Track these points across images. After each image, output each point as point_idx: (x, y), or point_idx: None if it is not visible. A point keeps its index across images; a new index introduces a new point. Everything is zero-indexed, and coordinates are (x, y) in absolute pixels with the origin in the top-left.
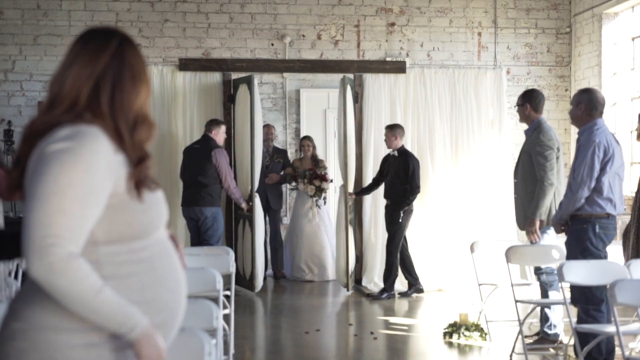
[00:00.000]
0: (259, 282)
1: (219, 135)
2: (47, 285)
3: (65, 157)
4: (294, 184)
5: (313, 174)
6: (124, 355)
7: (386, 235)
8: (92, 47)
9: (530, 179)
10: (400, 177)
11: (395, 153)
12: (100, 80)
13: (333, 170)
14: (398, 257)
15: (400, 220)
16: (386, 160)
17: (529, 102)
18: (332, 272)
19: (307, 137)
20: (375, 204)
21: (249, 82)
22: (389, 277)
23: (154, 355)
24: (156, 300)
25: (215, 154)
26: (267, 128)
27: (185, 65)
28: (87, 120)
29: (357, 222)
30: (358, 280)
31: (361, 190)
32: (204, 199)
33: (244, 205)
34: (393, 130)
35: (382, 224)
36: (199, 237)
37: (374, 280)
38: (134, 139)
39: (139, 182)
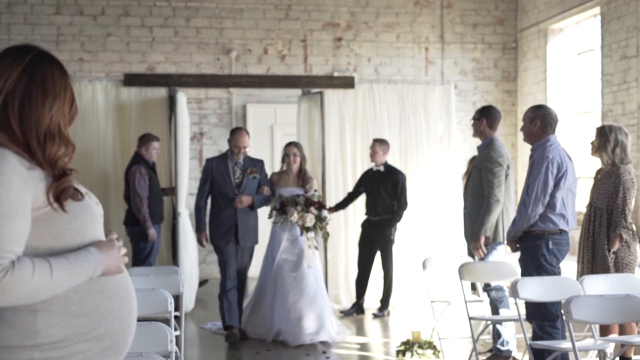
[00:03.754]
0: (187, 303)
1: (149, 151)
2: (8, 302)
3: None
4: (275, 213)
5: (306, 199)
6: None
7: (355, 251)
8: (4, 64)
9: (478, 195)
10: (389, 193)
11: (381, 168)
12: (8, 97)
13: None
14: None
15: (392, 238)
16: (367, 175)
17: (486, 117)
18: (330, 332)
19: (294, 144)
20: (346, 220)
21: (172, 96)
22: (389, 294)
23: (115, 268)
24: (98, 309)
25: (131, 172)
26: (239, 135)
27: (130, 80)
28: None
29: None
30: None
31: (337, 206)
32: (127, 218)
33: (150, 232)
34: (382, 145)
35: (352, 241)
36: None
37: (340, 300)
38: (46, 155)
39: (59, 194)
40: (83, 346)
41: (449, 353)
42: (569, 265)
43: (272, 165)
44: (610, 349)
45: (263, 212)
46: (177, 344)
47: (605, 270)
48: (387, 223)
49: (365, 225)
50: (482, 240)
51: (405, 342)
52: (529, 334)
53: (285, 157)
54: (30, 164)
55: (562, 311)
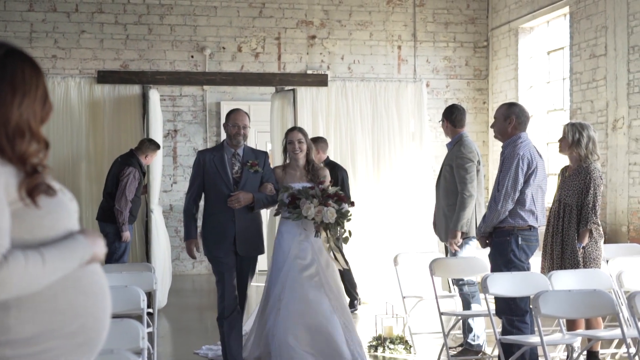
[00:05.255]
0: (160, 299)
1: (149, 158)
2: (5, 295)
3: None
4: (286, 208)
5: (323, 192)
6: None
7: None
8: None
9: (451, 192)
10: None
11: (321, 165)
12: None
13: None
14: None
15: (341, 234)
16: None
17: (447, 118)
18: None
19: (297, 129)
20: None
21: (145, 93)
22: (350, 291)
23: (100, 256)
24: (72, 305)
25: (125, 173)
26: (237, 113)
27: (104, 77)
28: None
29: None
30: None
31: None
32: (102, 214)
33: (125, 234)
34: (315, 144)
35: None
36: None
37: None
38: (15, 151)
39: (32, 190)
40: (56, 342)
41: (421, 348)
42: (533, 260)
43: None
44: (577, 343)
45: (266, 216)
46: (150, 340)
47: (575, 265)
48: None
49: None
50: (459, 235)
51: (377, 338)
52: (499, 329)
53: (289, 146)
54: (2, 160)
55: (531, 306)
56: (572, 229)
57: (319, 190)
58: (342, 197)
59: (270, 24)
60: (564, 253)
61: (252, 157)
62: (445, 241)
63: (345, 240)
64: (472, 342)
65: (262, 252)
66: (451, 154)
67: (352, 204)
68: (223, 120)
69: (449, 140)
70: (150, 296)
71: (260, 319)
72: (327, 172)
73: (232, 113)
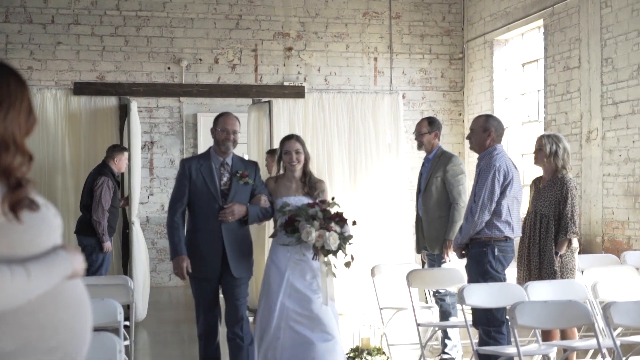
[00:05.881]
0: (140, 312)
1: (121, 162)
2: None
3: None
4: (282, 230)
5: (325, 212)
6: None
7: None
8: None
9: (444, 203)
10: None
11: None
12: None
13: None
14: None
15: None
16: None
17: (435, 129)
18: None
19: (295, 138)
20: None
21: (124, 105)
22: None
23: (81, 272)
24: (51, 320)
25: (98, 183)
26: (226, 117)
27: (80, 89)
28: None
29: None
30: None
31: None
32: (80, 227)
33: (106, 245)
34: (274, 155)
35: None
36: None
37: None
38: (0, 165)
39: (15, 204)
40: (35, 358)
41: (398, 359)
42: (509, 271)
43: None
44: (553, 353)
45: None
46: (127, 353)
47: (552, 275)
48: None
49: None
50: (452, 244)
51: (354, 349)
52: (476, 340)
53: (285, 156)
54: None
55: (508, 317)
56: (550, 240)
57: (320, 210)
58: (344, 218)
59: (247, 35)
60: (541, 263)
61: (241, 168)
62: (434, 251)
63: (347, 265)
64: (450, 353)
65: (251, 273)
66: (438, 165)
67: (354, 223)
68: (200, 131)
69: (424, 152)
70: (127, 309)
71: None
72: (325, 186)
73: (221, 117)
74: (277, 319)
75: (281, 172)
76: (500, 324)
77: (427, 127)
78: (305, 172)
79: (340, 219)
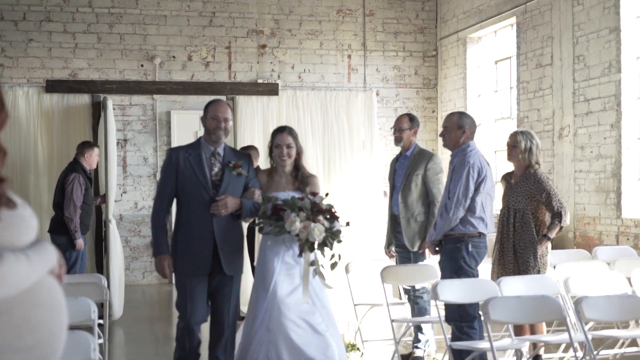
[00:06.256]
0: (116, 310)
1: (92, 158)
2: (4, 291)
3: None
4: (262, 221)
5: (314, 204)
6: None
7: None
8: None
9: (423, 200)
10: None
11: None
12: None
13: None
14: None
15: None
16: None
17: (415, 126)
18: None
19: (287, 130)
20: None
21: (98, 102)
22: None
23: (59, 268)
24: (27, 319)
25: (69, 180)
26: (217, 105)
27: (53, 86)
28: None
29: None
30: None
31: None
32: (53, 226)
33: (78, 242)
34: (249, 150)
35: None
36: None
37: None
38: None
39: None
40: (12, 357)
41: (372, 355)
42: (483, 267)
43: None
44: (525, 347)
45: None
46: (101, 352)
47: (529, 270)
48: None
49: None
50: None
51: None
52: (449, 335)
53: (276, 150)
54: None
55: (481, 312)
56: (526, 234)
57: (309, 202)
58: (336, 215)
59: (221, 33)
60: (517, 259)
61: (234, 159)
62: (418, 248)
63: (333, 265)
64: (423, 349)
65: (242, 270)
66: (418, 162)
67: (347, 224)
68: (173, 129)
69: (400, 148)
70: (101, 307)
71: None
72: (317, 181)
73: (211, 104)
74: (267, 321)
75: (273, 165)
76: (473, 319)
77: (408, 123)
78: (297, 167)
79: (331, 216)
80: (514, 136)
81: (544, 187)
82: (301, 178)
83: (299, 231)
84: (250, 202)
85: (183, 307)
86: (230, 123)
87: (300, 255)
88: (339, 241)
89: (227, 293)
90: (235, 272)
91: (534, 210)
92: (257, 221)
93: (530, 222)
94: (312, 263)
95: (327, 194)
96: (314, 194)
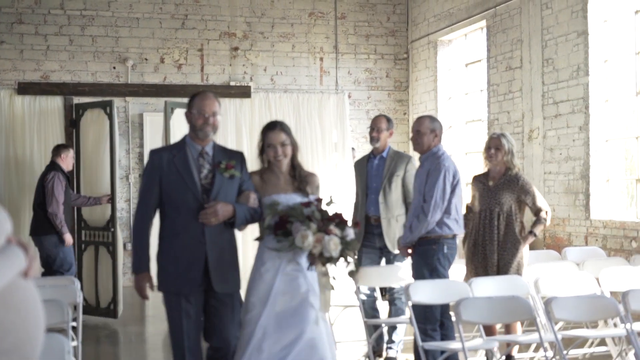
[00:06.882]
0: (121, 308)
1: (68, 159)
2: None
3: None
4: (271, 234)
5: (322, 212)
6: None
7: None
8: None
9: (402, 202)
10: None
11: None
12: None
13: None
14: None
15: None
16: None
17: (390, 128)
18: None
19: (280, 126)
20: None
21: (105, 106)
22: None
23: (31, 270)
24: (2, 322)
25: (49, 178)
26: (203, 98)
27: (25, 89)
28: None
29: None
30: None
31: None
32: (35, 228)
33: (66, 237)
34: None
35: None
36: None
37: None
38: None
39: None
40: None
41: (344, 356)
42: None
43: None
44: (496, 347)
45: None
46: (75, 354)
47: (512, 270)
48: None
49: None
50: None
51: None
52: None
53: (269, 150)
54: None
55: (452, 312)
56: (512, 235)
57: (317, 210)
58: (343, 218)
59: (193, 35)
60: (502, 259)
61: (224, 158)
62: (395, 249)
63: (352, 274)
64: (396, 349)
65: (239, 286)
66: (397, 164)
67: (357, 224)
68: (146, 131)
69: (370, 149)
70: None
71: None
72: (318, 181)
73: (197, 97)
74: (257, 341)
75: (265, 165)
76: (436, 322)
77: (386, 124)
78: (294, 165)
79: (340, 221)
80: (497, 139)
81: (530, 188)
82: (300, 177)
83: (312, 246)
84: (244, 207)
85: (175, 334)
86: (219, 117)
87: (309, 268)
88: (355, 250)
89: (223, 313)
90: (233, 288)
91: (517, 212)
92: (261, 235)
93: (514, 224)
94: (325, 274)
95: (331, 199)
96: (319, 200)
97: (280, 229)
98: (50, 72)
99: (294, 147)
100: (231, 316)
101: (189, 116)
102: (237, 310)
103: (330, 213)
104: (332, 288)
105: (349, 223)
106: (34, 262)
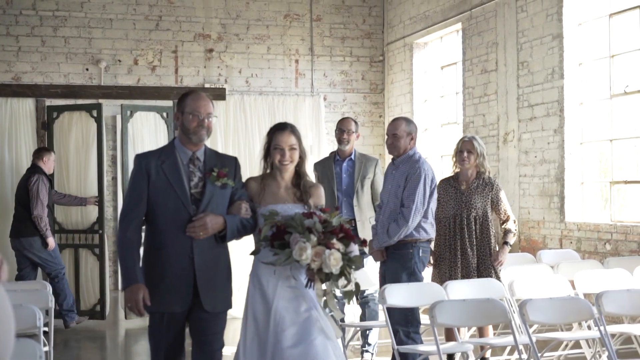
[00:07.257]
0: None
1: (49, 162)
2: None
3: None
4: (267, 245)
5: (326, 224)
6: None
7: None
8: None
9: (371, 204)
10: None
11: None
12: None
13: None
14: None
15: None
16: None
17: (357, 130)
18: None
19: (289, 128)
20: None
21: (91, 109)
22: None
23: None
24: None
25: (33, 180)
26: (196, 98)
27: None
28: None
29: None
30: None
31: None
32: (16, 230)
33: (50, 240)
34: None
35: None
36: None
37: None
38: None
39: None
40: None
41: None
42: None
43: None
44: (470, 350)
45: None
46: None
47: (492, 273)
48: None
49: None
50: None
51: None
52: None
53: (275, 152)
54: None
55: (428, 316)
56: (487, 239)
57: (319, 221)
58: (350, 233)
59: (167, 37)
60: (482, 263)
61: (217, 164)
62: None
63: (350, 295)
64: (371, 352)
65: (230, 305)
66: (367, 166)
67: (364, 242)
68: (119, 134)
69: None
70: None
71: None
72: (322, 192)
73: (189, 97)
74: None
75: (267, 171)
76: (418, 324)
77: (354, 126)
78: (300, 174)
79: (346, 236)
80: (469, 142)
81: (502, 194)
82: (304, 188)
83: (311, 260)
84: (236, 219)
85: (156, 355)
86: (214, 120)
87: (307, 285)
88: (358, 268)
89: (210, 334)
90: (223, 308)
91: (490, 216)
92: (256, 249)
93: (490, 228)
94: (324, 293)
95: (337, 209)
96: (324, 210)
97: (277, 240)
98: (22, 73)
99: (302, 154)
100: (216, 339)
101: (179, 118)
102: (223, 327)
103: (335, 225)
104: (335, 307)
105: (356, 239)
106: (3, 267)
